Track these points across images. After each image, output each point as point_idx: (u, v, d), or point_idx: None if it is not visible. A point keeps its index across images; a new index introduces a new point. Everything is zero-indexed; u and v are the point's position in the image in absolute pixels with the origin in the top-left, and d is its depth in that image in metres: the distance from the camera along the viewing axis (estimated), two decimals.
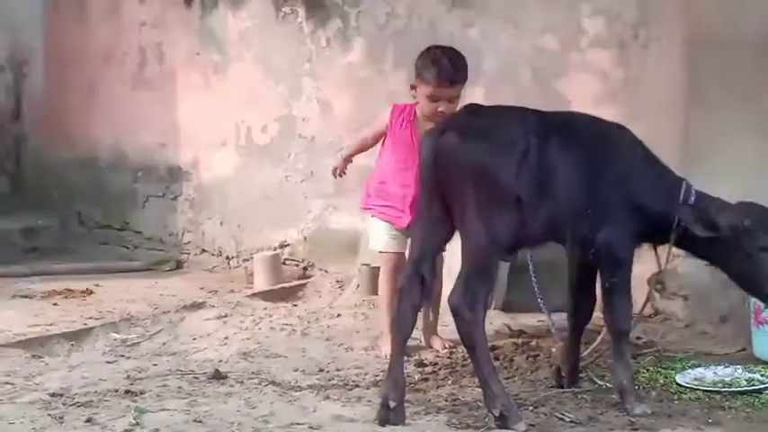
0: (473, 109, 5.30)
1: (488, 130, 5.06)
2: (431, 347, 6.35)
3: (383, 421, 4.99)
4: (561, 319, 5.73)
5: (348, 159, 6.69)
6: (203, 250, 9.08)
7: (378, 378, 5.72)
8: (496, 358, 5.99)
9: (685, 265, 6.50)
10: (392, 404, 5.00)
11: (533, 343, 6.38)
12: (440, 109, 6.08)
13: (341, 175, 6.77)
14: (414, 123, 6.28)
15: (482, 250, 4.98)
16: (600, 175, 5.16)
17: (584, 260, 5.34)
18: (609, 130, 5.40)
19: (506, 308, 7.07)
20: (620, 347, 5.30)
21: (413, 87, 6.24)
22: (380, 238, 6.38)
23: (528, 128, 5.08)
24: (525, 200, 4.98)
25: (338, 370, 6.02)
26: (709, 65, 6.63)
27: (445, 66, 6.09)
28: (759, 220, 5.21)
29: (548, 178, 5.06)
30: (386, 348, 5.97)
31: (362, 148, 6.65)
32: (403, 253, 6.14)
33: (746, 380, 5.63)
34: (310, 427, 4.94)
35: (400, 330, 5.13)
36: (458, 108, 5.99)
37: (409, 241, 5.50)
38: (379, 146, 6.52)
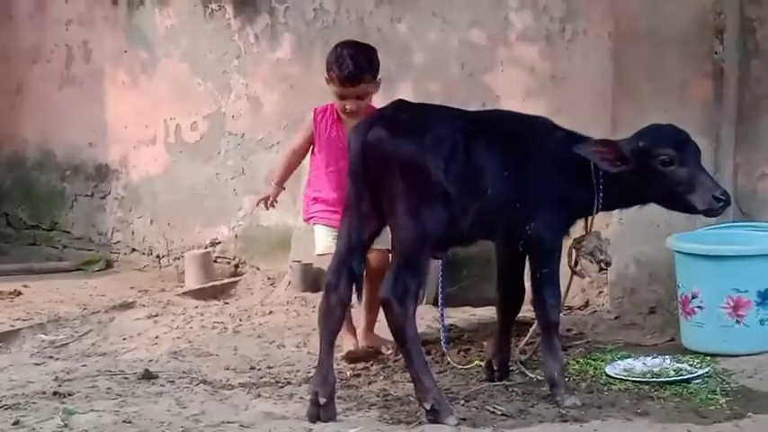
0: (401, 105, 5.31)
1: (417, 126, 5.07)
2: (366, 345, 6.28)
3: (313, 418, 4.98)
4: (491, 312, 5.75)
5: (281, 185, 6.49)
6: (133, 249, 9.02)
7: (309, 375, 5.69)
8: (428, 353, 5.96)
9: (615, 256, 6.57)
10: (322, 400, 4.99)
11: (465, 337, 6.41)
12: (347, 107, 6.08)
13: (272, 206, 6.54)
14: (338, 122, 6.23)
15: (412, 244, 4.99)
16: (525, 169, 5.21)
17: (513, 253, 5.37)
18: (529, 124, 5.47)
19: (437, 303, 7.07)
20: (550, 340, 5.33)
21: (327, 81, 6.21)
22: (322, 242, 6.28)
23: (455, 125, 5.12)
24: (454, 196, 5.00)
25: (270, 368, 6.00)
26: (635, 57, 6.68)
27: (348, 66, 6.05)
28: (652, 137, 5.29)
29: (475, 175, 5.10)
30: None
31: (293, 163, 6.48)
32: None
33: (675, 370, 5.68)
34: (241, 426, 4.90)
35: (328, 326, 5.11)
36: (367, 103, 6.08)
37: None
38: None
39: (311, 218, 6.36)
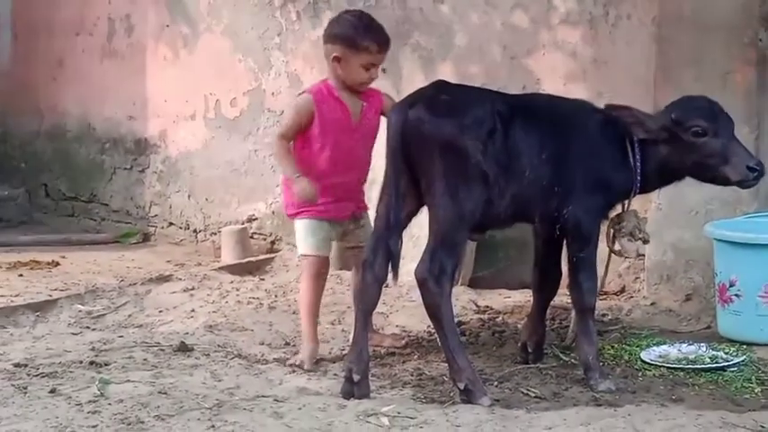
0: (441, 85, 5.32)
1: (457, 106, 5.09)
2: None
3: (347, 395, 5.00)
4: (526, 295, 5.74)
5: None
6: (170, 223, 9.05)
7: (343, 352, 5.72)
8: (462, 334, 6.01)
9: (652, 242, 6.55)
10: (356, 377, 5.00)
11: (499, 319, 6.42)
12: (373, 77, 5.81)
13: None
14: (339, 101, 5.83)
15: (449, 224, 5.00)
16: (563, 152, 5.22)
17: (551, 236, 5.37)
18: (568, 107, 5.48)
19: (473, 284, 7.09)
20: (585, 324, 5.33)
21: (337, 59, 5.78)
22: (308, 240, 5.87)
23: (494, 107, 5.13)
24: (492, 179, 5.00)
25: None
26: (678, 44, 6.65)
27: (381, 31, 5.82)
28: (683, 108, 5.30)
29: (513, 158, 5.12)
30: (301, 357, 5.67)
31: (282, 153, 5.86)
32: (328, 257, 5.93)
33: (710, 357, 5.67)
34: (276, 400, 4.93)
35: (363, 304, 5.13)
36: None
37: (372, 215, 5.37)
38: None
39: (300, 213, 5.87)
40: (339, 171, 5.83)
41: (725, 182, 5.34)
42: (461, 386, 4.97)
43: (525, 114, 5.22)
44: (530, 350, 5.61)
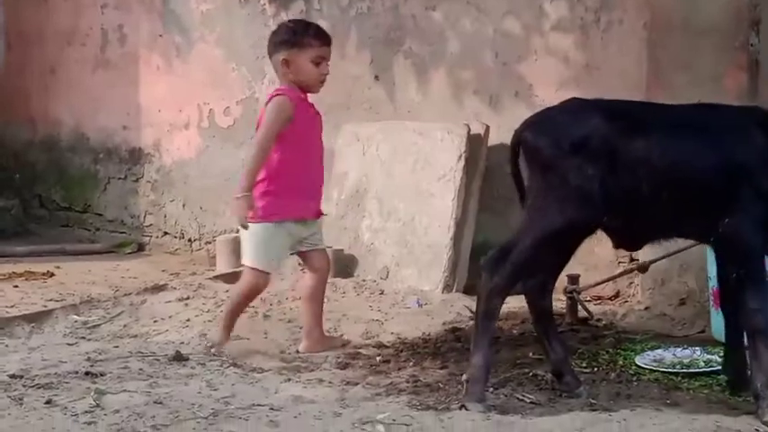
0: (567, 102, 5.13)
1: (565, 124, 4.92)
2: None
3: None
4: (521, 301, 5.73)
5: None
6: (165, 233, 9.07)
7: (339, 360, 5.73)
8: (458, 340, 6.01)
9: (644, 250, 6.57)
10: (465, 376, 4.93)
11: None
12: (323, 72, 5.92)
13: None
14: (309, 104, 6.01)
15: (528, 238, 4.88)
16: (723, 164, 4.83)
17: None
18: (727, 115, 5.07)
19: (468, 291, 7.09)
20: (754, 347, 4.85)
21: (287, 63, 5.87)
22: (266, 251, 5.91)
23: (616, 123, 4.87)
24: (603, 198, 4.81)
25: (299, 352, 6.02)
26: (670, 49, 6.66)
27: (317, 26, 6.09)
28: None
29: (647, 174, 4.83)
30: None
31: (263, 161, 5.83)
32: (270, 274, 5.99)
33: (705, 361, 5.67)
34: (271, 409, 4.93)
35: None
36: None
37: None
38: None
39: (273, 215, 5.86)
40: (311, 170, 5.99)
41: None
42: (464, 377, 4.92)
43: (668, 126, 4.90)
44: None
